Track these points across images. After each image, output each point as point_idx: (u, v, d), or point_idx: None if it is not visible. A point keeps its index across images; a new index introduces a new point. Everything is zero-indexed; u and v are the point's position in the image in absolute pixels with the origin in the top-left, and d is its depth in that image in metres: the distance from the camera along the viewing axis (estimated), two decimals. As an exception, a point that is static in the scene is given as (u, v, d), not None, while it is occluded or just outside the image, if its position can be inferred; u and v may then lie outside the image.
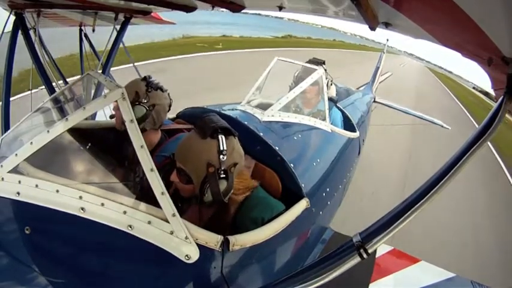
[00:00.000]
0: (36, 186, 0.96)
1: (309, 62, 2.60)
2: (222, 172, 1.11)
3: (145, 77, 1.56)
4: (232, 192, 1.20)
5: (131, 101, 1.45)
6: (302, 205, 1.46)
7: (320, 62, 2.60)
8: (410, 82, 20.58)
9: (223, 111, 1.77)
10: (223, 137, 1.12)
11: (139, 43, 10.25)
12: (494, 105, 0.87)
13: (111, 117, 1.52)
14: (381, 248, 1.82)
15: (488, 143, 0.88)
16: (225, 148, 1.11)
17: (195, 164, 1.11)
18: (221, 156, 1.10)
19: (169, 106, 1.61)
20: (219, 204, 1.17)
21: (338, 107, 3.02)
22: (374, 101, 5.25)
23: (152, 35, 11.76)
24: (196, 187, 1.13)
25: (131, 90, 1.49)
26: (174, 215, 0.95)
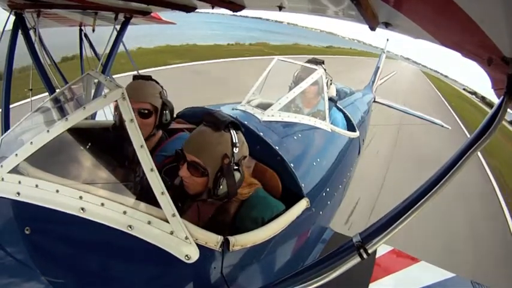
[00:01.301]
0: (36, 186, 0.96)
1: (309, 62, 2.59)
2: (235, 164, 1.15)
3: (150, 76, 1.58)
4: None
5: (162, 103, 1.53)
6: (302, 205, 1.46)
7: (319, 62, 2.60)
8: (404, 82, 24.39)
9: (223, 111, 1.77)
10: (234, 131, 1.17)
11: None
12: (495, 105, 0.88)
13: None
14: (381, 248, 1.82)
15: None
16: (237, 141, 1.15)
17: (211, 156, 1.13)
18: (234, 149, 1.14)
19: (172, 110, 1.64)
20: (229, 198, 1.19)
21: (338, 107, 3.02)
22: (374, 101, 5.24)
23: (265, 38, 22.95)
24: (211, 179, 1.14)
25: (155, 92, 1.52)
26: (174, 215, 0.95)
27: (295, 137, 1.92)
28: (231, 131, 1.16)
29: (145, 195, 0.99)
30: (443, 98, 24.25)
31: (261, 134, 1.67)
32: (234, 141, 1.14)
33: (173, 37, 15.29)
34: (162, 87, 1.58)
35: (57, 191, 0.96)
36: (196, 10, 1.81)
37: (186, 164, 1.15)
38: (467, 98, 41.02)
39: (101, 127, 1.61)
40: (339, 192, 2.13)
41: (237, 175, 1.16)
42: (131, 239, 0.93)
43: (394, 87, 15.83)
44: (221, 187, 1.13)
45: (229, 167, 1.13)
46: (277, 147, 1.62)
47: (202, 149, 1.14)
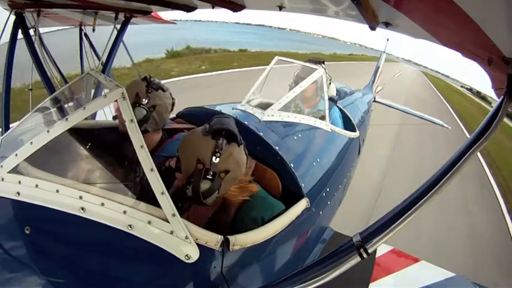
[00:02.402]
0: (36, 186, 0.96)
1: (309, 61, 2.60)
2: (211, 173, 1.08)
3: (145, 77, 1.55)
4: (230, 195, 1.19)
5: (132, 102, 1.46)
6: (302, 205, 1.46)
7: (319, 62, 2.60)
8: (407, 80, 28.02)
9: (223, 111, 1.77)
10: (224, 140, 1.10)
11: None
12: (494, 104, 0.88)
13: (114, 118, 1.52)
14: (381, 247, 1.82)
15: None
16: (219, 151, 1.08)
17: (188, 156, 1.11)
18: (213, 158, 1.08)
19: (172, 105, 1.60)
20: (198, 203, 1.13)
21: (338, 107, 3.02)
22: (374, 101, 5.25)
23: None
24: (183, 178, 1.13)
25: (132, 91, 1.48)
26: (174, 214, 0.95)
27: (295, 137, 1.92)
28: (220, 140, 1.09)
29: (145, 195, 0.99)
30: (438, 92, 28.99)
31: (261, 134, 1.67)
32: (216, 150, 1.08)
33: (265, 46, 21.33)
34: (155, 88, 1.54)
35: (57, 190, 0.96)
36: (197, 10, 1.81)
37: (176, 157, 1.17)
38: (458, 90, 49.11)
39: (101, 127, 1.61)
40: (339, 192, 2.13)
41: (205, 184, 1.08)
42: (131, 239, 0.93)
43: (398, 85, 19.43)
44: (188, 189, 1.11)
45: (200, 173, 1.08)
46: (277, 147, 1.62)
47: (185, 147, 1.14)
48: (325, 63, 2.64)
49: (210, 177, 1.08)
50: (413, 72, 45.61)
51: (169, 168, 1.36)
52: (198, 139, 1.12)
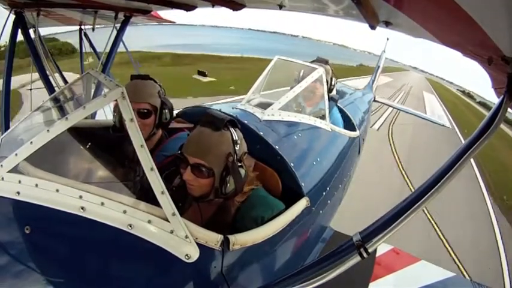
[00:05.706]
0: (36, 185, 0.96)
1: (314, 61, 2.60)
2: (238, 161, 1.17)
3: (148, 76, 1.58)
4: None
5: (161, 102, 1.54)
6: (302, 204, 1.46)
7: (324, 61, 2.60)
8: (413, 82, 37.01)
9: (223, 110, 1.77)
10: (232, 128, 1.18)
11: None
12: (494, 104, 0.88)
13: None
14: (381, 247, 1.82)
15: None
16: (237, 138, 1.17)
17: (216, 156, 1.13)
18: (236, 146, 1.16)
19: None
20: (236, 194, 1.21)
21: (338, 106, 3.02)
22: (374, 101, 5.24)
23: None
24: (217, 179, 1.15)
25: (153, 91, 1.54)
26: (174, 214, 0.95)
27: (295, 137, 1.92)
28: (230, 129, 1.18)
29: (145, 194, 0.99)
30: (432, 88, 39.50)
31: (261, 133, 1.67)
32: (235, 138, 1.17)
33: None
34: (160, 86, 1.58)
35: (57, 190, 0.96)
36: (196, 9, 1.81)
37: (189, 167, 1.14)
38: (450, 89, 62.39)
39: (101, 126, 1.61)
40: (339, 191, 2.13)
41: (242, 171, 1.18)
42: (131, 238, 0.93)
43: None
44: (228, 185, 1.15)
45: (234, 164, 1.15)
46: (277, 147, 1.62)
47: (207, 150, 1.13)
48: (329, 62, 2.64)
49: (241, 164, 1.18)
50: (419, 78, 56.18)
51: (170, 168, 1.36)
52: (216, 136, 1.15)
